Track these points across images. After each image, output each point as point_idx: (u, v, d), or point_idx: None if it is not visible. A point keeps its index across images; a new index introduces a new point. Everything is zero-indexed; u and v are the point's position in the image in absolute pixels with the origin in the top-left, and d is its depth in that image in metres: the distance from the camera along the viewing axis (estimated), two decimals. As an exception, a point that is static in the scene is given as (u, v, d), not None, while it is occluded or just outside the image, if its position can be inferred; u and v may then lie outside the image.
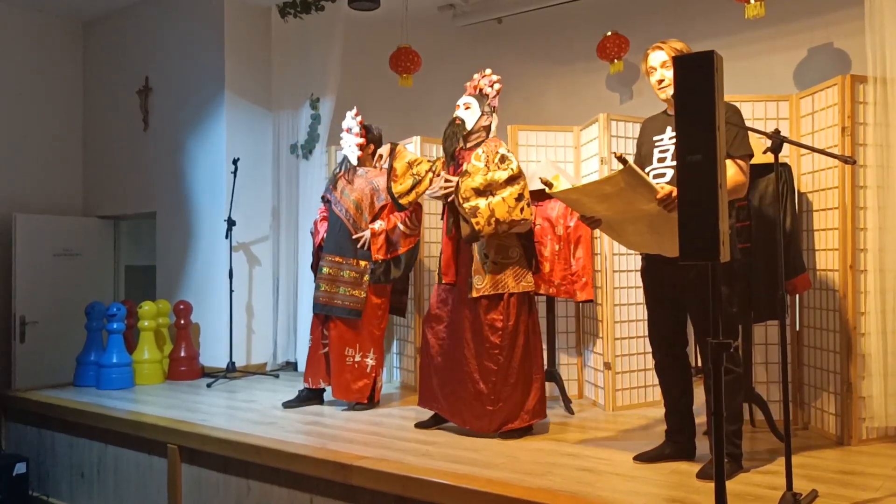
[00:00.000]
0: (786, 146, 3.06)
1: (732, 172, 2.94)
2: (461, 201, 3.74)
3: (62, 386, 5.35)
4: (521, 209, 3.67)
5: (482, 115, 3.92)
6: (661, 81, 3.13)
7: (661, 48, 3.15)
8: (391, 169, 4.16)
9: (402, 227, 4.46)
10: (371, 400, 4.46)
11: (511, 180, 3.69)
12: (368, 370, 4.43)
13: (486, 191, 3.70)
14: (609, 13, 5.88)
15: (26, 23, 6.50)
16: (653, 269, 3.20)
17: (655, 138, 3.19)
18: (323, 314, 4.49)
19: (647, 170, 3.18)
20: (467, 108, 3.93)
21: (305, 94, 5.84)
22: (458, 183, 3.79)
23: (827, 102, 3.66)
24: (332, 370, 4.45)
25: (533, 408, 3.73)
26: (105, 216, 6.79)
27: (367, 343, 4.43)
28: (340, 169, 4.66)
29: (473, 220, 3.68)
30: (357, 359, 4.40)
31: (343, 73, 5.79)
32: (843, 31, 4.92)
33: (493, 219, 3.65)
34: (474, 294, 3.74)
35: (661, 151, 3.15)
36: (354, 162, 4.57)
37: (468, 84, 4.04)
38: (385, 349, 5.43)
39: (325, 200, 4.70)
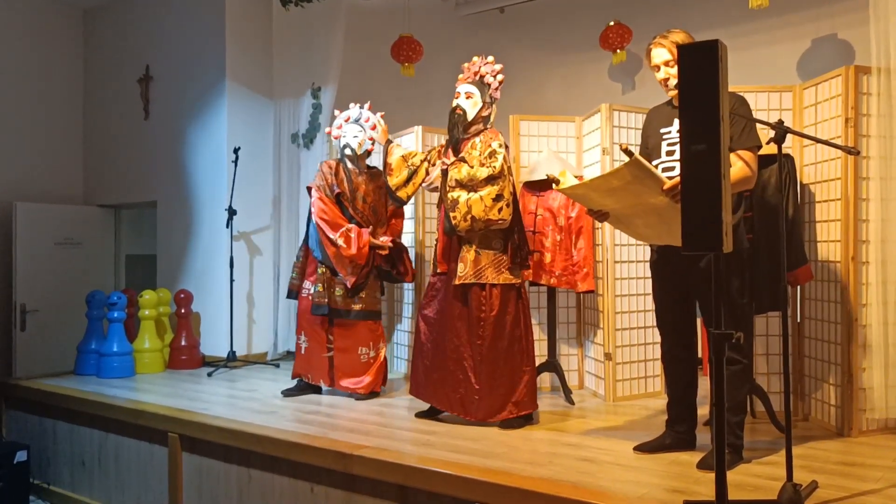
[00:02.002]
0: (789, 137, 3.05)
1: (740, 165, 2.91)
2: (448, 190, 3.75)
3: (63, 374, 5.36)
4: (500, 209, 3.67)
5: (483, 105, 3.90)
6: (666, 80, 3.10)
7: (663, 45, 3.10)
8: (386, 165, 4.16)
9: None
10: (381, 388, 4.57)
11: (491, 179, 3.69)
12: (382, 360, 4.50)
13: (468, 185, 3.70)
14: (611, 3, 5.85)
15: (26, 10, 6.47)
16: (664, 260, 3.20)
17: (663, 130, 3.15)
18: (327, 316, 4.47)
19: (655, 163, 3.16)
20: (469, 97, 3.90)
21: (307, 83, 5.82)
22: (446, 170, 3.80)
23: (830, 93, 3.64)
24: (345, 370, 4.45)
25: (521, 399, 3.74)
26: (106, 205, 6.78)
27: (377, 338, 4.49)
28: (342, 160, 4.53)
29: (451, 215, 3.72)
30: (371, 354, 4.45)
31: (344, 63, 5.77)
32: (847, 21, 4.89)
33: (470, 216, 3.67)
34: (456, 281, 3.76)
35: (669, 144, 3.12)
36: (356, 147, 4.45)
37: (466, 66, 4.00)
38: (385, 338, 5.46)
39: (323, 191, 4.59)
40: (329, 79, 5.73)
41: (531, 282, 4.41)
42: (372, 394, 4.45)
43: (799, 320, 3.89)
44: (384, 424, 3.80)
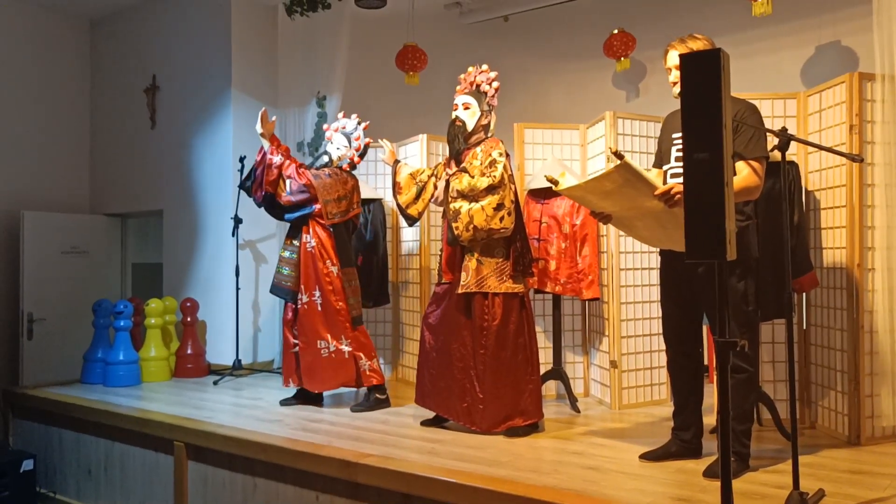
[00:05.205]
0: (793, 144, 3.04)
1: (747, 173, 2.91)
2: (450, 200, 3.77)
3: (69, 383, 5.37)
4: (501, 218, 3.68)
5: (481, 114, 3.92)
6: (675, 83, 3.10)
7: (678, 48, 3.11)
8: (395, 185, 4.18)
9: (290, 184, 4.38)
10: (363, 386, 4.36)
11: (491, 189, 3.70)
12: (347, 356, 4.31)
13: (469, 195, 3.72)
14: (615, 11, 5.87)
15: (34, 20, 6.52)
16: (668, 266, 3.19)
17: (674, 136, 3.13)
18: (291, 315, 4.45)
19: (665, 168, 3.16)
20: (467, 108, 3.92)
21: (312, 91, 5.84)
22: (447, 181, 3.81)
23: (834, 100, 3.64)
24: (309, 367, 4.37)
25: (526, 409, 3.73)
26: (112, 214, 6.81)
27: (335, 329, 4.32)
28: (318, 166, 4.56)
29: (454, 225, 3.73)
30: (332, 348, 4.32)
31: (349, 71, 5.79)
32: (851, 28, 4.90)
33: (472, 225, 3.69)
34: (460, 290, 3.77)
35: (678, 150, 3.09)
36: (335, 158, 4.51)
37: (462, 77, 4.03)
38: (389, 346, 5.45)
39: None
40: (334, 88, 5.74)
41: (536, 289, 4.41)
42: (364, 402, 4.34)
43: (805, 327, 3.87)
44: (389, 433, 3.79)
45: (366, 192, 4.98)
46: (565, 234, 4.39)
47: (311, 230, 4.40)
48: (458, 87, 4.02)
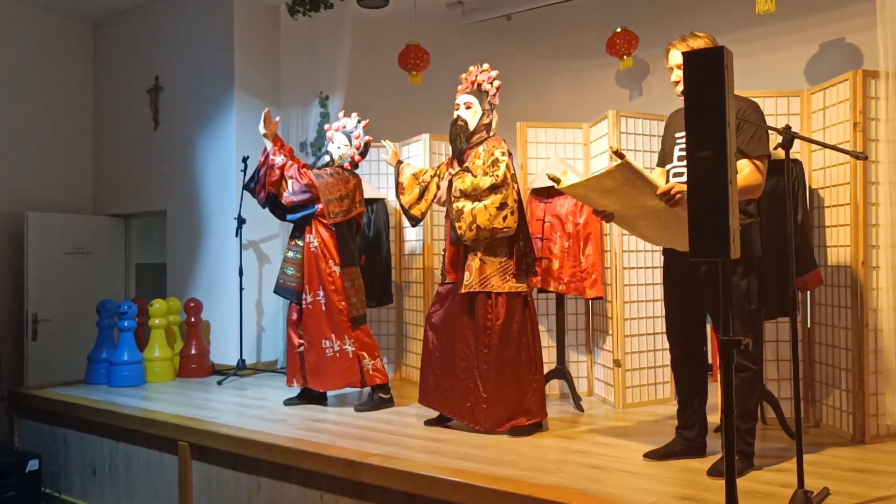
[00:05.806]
0: (797, 142, 3.03)
1: (748, 171, 2.90)
2: (452, 200, 3.77)
3: (74, 383, 5.38)
4: (504, 217, 3.69)
5: (483, 113, 3.92)
6: (677, 83, 3.10)
7: (679, 47, 3.10)
8: (398, 185, 4.18)
9: (292, 184, 4.43)
10: (366, 385, 4.37)
11: (494, 188, 3.70)
12: (351, 356, 4.33)
13: (472, 194, 3.72)
14: (618, 9, 5.86)
15: (36, 22, 6.53)
16: (671, 265, 3.19)
17: (677, 135, 3.13)
18: (296, 315, 4.47)
19: (668, 167, 3.16)
20: (468, 107, 3.92)
21: (314, 91, 5.85)
22: (450, 181, 3.81)
23: (838, 98, 3.63)
24: (314, 366, 4.38)
25: (530, 408, 3.73)
26: (116, 214, 6.82)
27: (339, 329, 4.34)
28: (319, 165, 4.57)
29: (457, 224, 3.74)
30: (336, 348, 4.34)
31: (352, 71, 5.80)
32: (855, 25, 4.88)
33: (475, 225, 3.69)
34: (463, 290, 3.77)
35: (681, 149, 3.09)
36: (336, 157, 4.52)
37: (463, 77, 4.03)
38: (392, 346, 5.45)
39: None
40: (336, 87, 5.75)
41: (539, 289, 4.41)
42: (367, 402, 4.35)
43: (809, 326, 3.87)
44: (393, 432, 3.80)
45: (369, 192, 4.98)
46: (568, 233, 4.38)
47: (313, 230, 4.41)
48: (459, 87, 4.02)
